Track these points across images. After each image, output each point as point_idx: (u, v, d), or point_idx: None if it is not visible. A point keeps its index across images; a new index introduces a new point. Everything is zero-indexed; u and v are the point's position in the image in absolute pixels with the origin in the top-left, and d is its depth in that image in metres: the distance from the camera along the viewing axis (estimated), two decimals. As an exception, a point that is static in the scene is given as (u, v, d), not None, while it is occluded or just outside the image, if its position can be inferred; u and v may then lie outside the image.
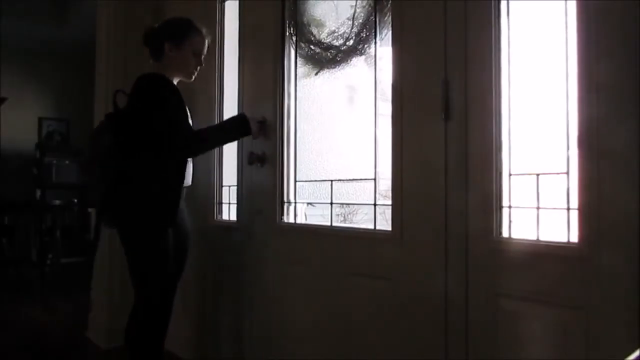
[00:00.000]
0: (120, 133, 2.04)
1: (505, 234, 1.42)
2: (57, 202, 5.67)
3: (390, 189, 1.72)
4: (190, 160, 2.15)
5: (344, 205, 2.14)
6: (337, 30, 1.99)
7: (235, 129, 2.14)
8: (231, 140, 2.28)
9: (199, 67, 2.16)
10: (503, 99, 1.42)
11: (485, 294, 1.43)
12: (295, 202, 2.16)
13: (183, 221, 2.21)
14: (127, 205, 2.03)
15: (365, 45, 1.88)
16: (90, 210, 5.50)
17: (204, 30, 2.15)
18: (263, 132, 2.18)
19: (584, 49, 1.24)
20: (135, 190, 2.02)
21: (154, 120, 1.98)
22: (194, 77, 2.18)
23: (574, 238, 1.27)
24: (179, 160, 2.06)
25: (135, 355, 2.18)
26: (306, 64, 2.14)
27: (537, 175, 1.36)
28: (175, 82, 2.13)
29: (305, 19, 2.10)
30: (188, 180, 2.15)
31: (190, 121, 2.10)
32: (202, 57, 2.15)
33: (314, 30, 2.08)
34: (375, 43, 1.83)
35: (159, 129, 1.99)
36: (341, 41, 1.97)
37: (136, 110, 2.03)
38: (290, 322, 2.09)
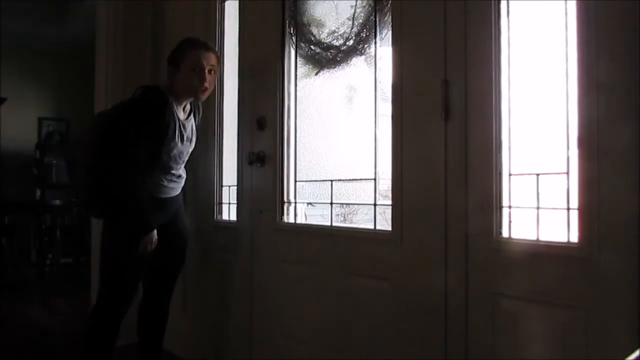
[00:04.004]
0: (103, 132, 2.03)
1: (505, 234, 1.42)
2: (57, 202, 5.66)
3: (390, 189, 1.72)
4: (182, 171, 2.14)
5: (344, 205, 2.14)
6: (337, 30, 2.00)
7: (137, 214, 1.97)
8: (127, 213, 1.97)
9: (205, 84, 2.02)
10: (503, 99, 1.42)
11: (485, 294, 1.43)
12: (295, 202, 2.16)
13: (180, 228, 2.20)
14: (107, 203, 2.01)
15: (365, 45, 1.88)
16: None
17: (204, 44, 2.06)
18: (150, 247, 1.99)
19: (584, 49, 1.24)
20: (110, 192, 1.99)
21: (122, 125, 1.96)
22: (203, 94, 2.05)
23: (574, 238, 1.27)
24: (148, 168, 2.02)
25: (146, 352, 2.21)
26: (306, 64, 2.14)
27: (537, 175, 1.36)
28: (184, 101, 2.08)
29: (305, 19, 2.11)
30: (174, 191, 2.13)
31: (162, 144, 1.99)
32: (205, 71, 2.01)
33: (314, 30, 2.08)
34: (375, 43, 1.83)
35: (122, 135, 1.95)
36: (341, 41, 1.97)
37: (119, 113, 2.02)
38: (290, 322, 2.09)
